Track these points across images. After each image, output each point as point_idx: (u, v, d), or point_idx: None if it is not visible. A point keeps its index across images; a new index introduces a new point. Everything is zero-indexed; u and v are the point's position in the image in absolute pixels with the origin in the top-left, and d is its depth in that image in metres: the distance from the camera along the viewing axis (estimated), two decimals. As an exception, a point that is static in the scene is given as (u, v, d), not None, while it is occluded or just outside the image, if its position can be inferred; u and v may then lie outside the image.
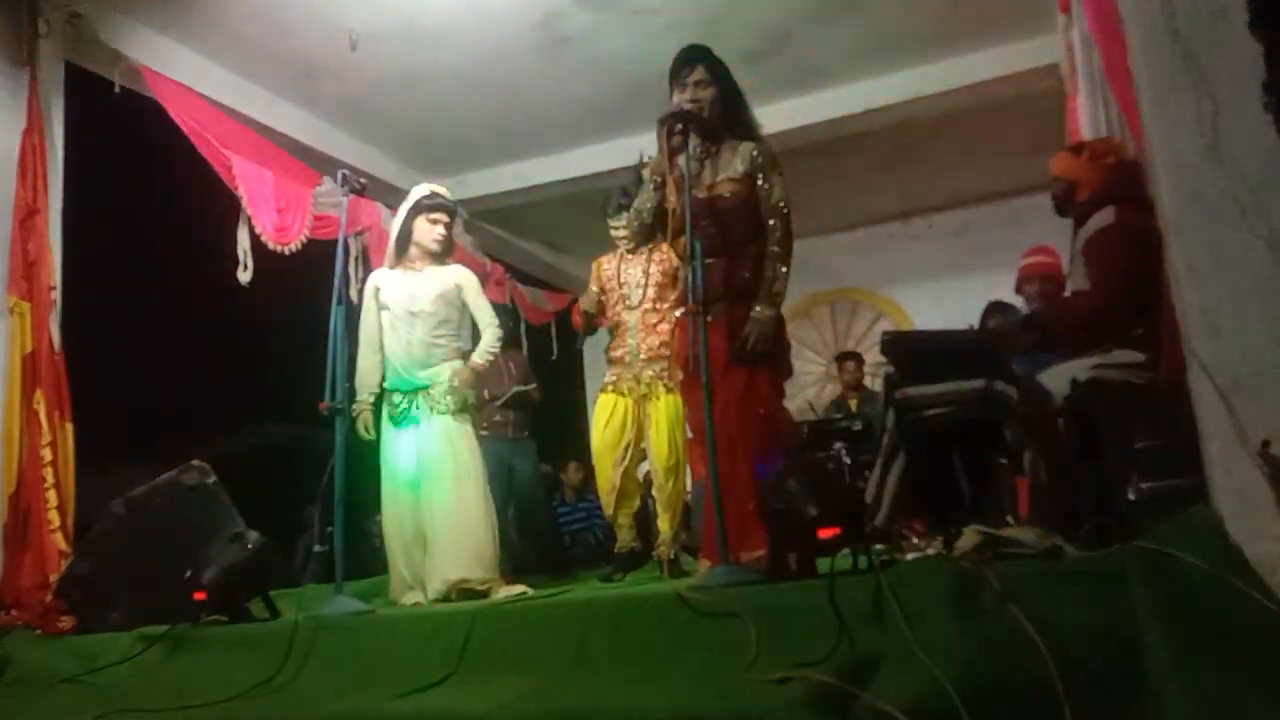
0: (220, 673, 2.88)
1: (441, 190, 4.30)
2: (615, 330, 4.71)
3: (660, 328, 4.56)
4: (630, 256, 4.68)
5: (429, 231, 4.11)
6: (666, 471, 4.48)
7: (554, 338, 8.01)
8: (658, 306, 4.58)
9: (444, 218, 4.15)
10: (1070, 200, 3.12)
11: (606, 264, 4.80)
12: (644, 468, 4.77)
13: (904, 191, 7.97)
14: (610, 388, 4.63)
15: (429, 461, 3.91)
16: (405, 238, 4.14)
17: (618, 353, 4.65)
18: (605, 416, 4.58)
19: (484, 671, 2.51)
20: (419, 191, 4.23)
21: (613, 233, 4.73)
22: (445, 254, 4.20)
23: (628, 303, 4.64)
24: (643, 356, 4.55)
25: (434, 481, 3.89)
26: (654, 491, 4.64)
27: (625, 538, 4.67)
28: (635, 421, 4.56)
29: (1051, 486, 2.73)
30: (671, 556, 4.48)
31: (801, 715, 1.79)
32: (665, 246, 4.38)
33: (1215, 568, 1.80)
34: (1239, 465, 1.86)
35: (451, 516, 3.85)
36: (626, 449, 4.55)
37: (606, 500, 4.65)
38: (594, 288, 4.82)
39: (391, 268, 4.17)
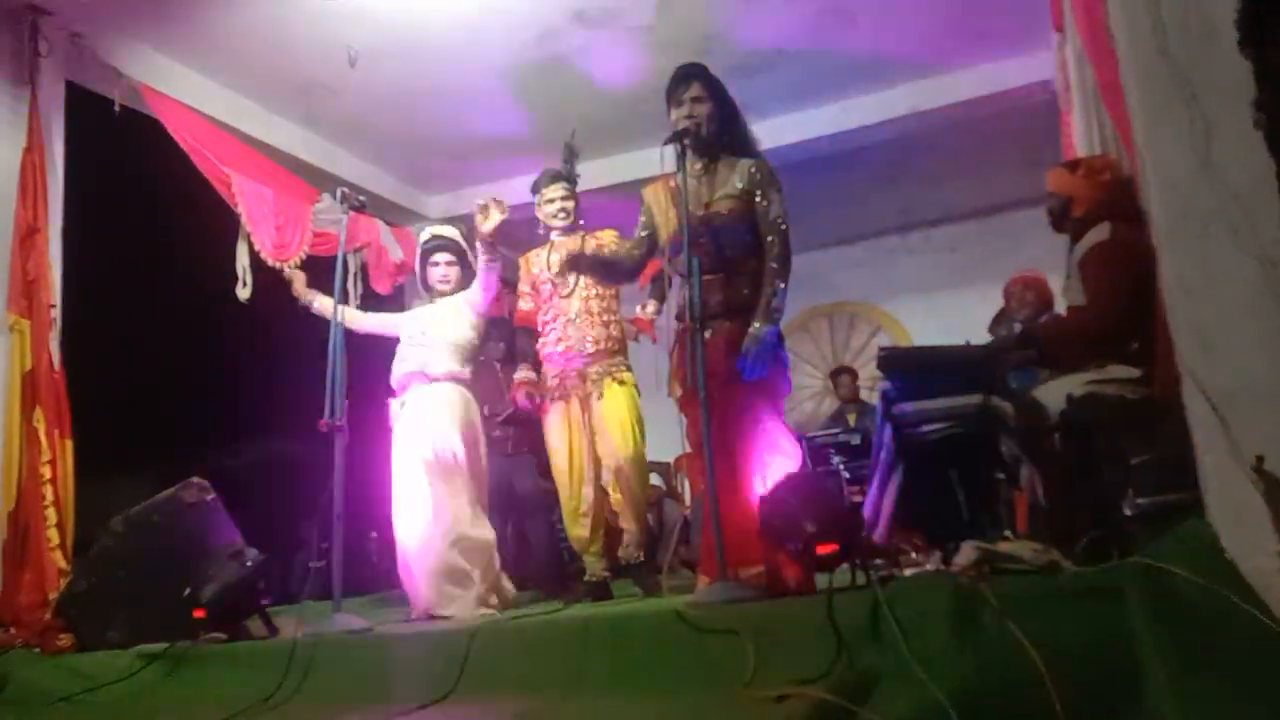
0: (219, 691, 2.90)
1: (443, 231, 4.39)
2: (550, 324, 4.29)
3: (606, 318, 4.24)
4: (559, 241, 4.34)
5: (432, 274, 4.28)
6: (630, 461, 4.13)
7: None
8: (600, 292, 4.24)
9: (444, 257, 4.27)
10: (1066, 216, 3.14)
11: (535, 257, 4.44)
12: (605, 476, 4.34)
13: (901, 206, 8.01)
14: (557, 394, 4.24)
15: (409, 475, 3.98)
16: (424, 281, 4.33)
17: (559, 347, 4.23)
18: (565, 436, 4.22)
19: (482, 689, 2.52)
20: (422, 236, 4.39)
21: (544, 210, 4.39)
22: (458, 290, 4.26)
23: (562, 291, 4.26)
24: (590, 350, 4.20)
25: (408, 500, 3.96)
26: (614, 489, 4.20)
27: (596, 566, 4.28)
28: (585, 427, 4.21)
29: (1048, 502, 2.74)
30: (639, 559, 4.22)
31: (800, 732, 1.80)
32: (603, 232, 4.30)
33: (1211, 583, 1.80)
34: (1234, 480, 1.87)
35: (415, 544, 3.90)
36: (596, 464, 4.22)
37: (578, 525, 4.26)
38: (524, 287, 4.44)
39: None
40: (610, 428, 4.15)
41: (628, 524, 4.27)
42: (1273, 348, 1.86)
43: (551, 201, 4.37)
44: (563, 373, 4.25)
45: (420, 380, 4.06)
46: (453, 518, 3.90)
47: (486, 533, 4.01)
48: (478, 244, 4.05)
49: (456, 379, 4.08)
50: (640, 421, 4.24)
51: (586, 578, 4.33)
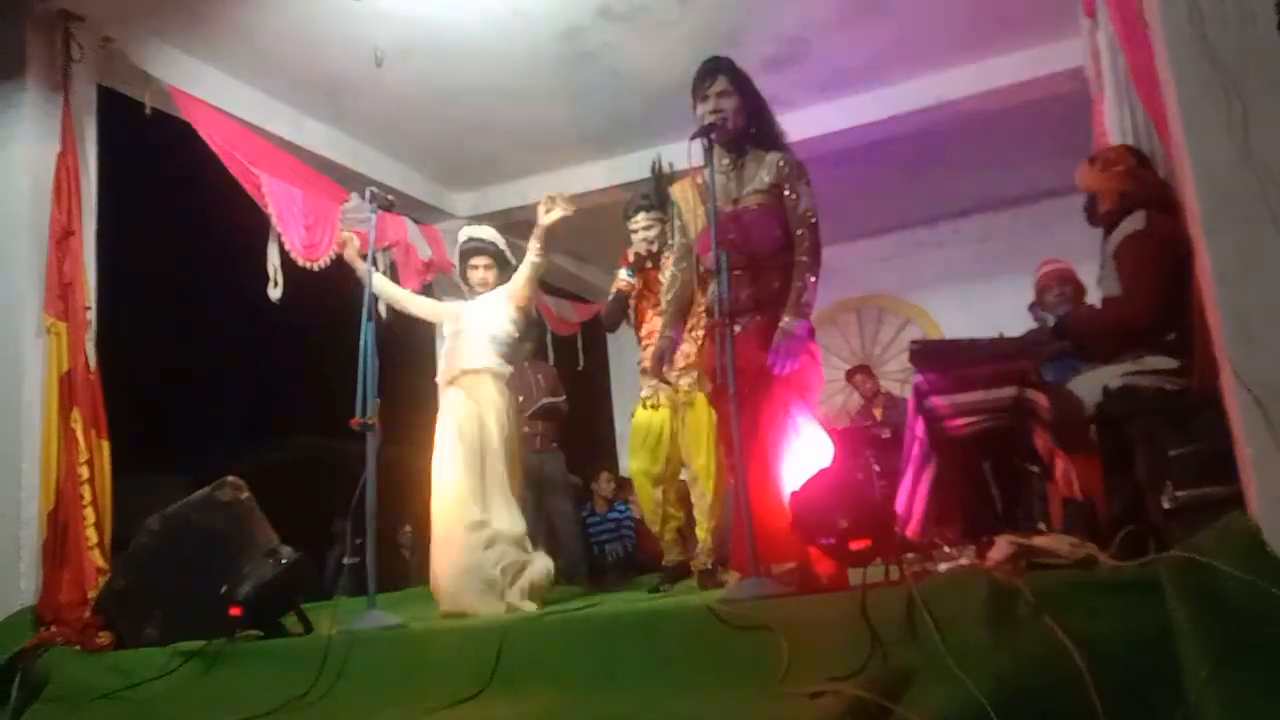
0: (255, 687, 2.92)
1: (479, 232, 4.47)
2: (646, 338, 4.61)
3: (695, 333, 4.36)
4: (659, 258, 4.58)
5: (471, 277, 4.37)
6: (705, 475, 4.38)
7: (580, 348, 8.03)
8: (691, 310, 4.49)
9: (482, 260, 4.35)
10: (1095, 211, 3.10)
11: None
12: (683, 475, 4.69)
13: (929, 197, 7.94)
14: (647, 403, 4.58)
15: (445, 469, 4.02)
16: (465, 282, 4.42)
17: (650, 363, 4.51)
18: (640, 437, 4.56)
19: (515, 686, 2.53)
20: (460, 236, 4.49)
21: (634, 235, 4.64)
22: (497, 287, 4.32)
23: (658, 308, 4.48)
24: (680, 364, 4.36)
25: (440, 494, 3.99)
26: (693, 499, 4.53)
27: (674, 553, 4.63)
28: (672, 434, 4.49)
29: (1083, 495, 2.71)
30: (708, 567, 4.37)
31: (835, 729, 1.79)
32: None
33: (1252, 577, 1.78)
34: (1276, 472, 1.84)
35: (442, 539, 3.92)
36: (666, 466, 4.53)
37: (652, 520, 4.66)
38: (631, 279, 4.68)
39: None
40: (689, 441, 4.42)
41: (701, 533, 4.45)
42: (1315, 337, 1.83)
43: (635, 231, 4.62)
44: (656, 386, 4.52)
45: (460, 375, 4.11)
46: (484, 514, 3.92)
47: (518, 527, 4.02)
48: (534, 237, 4.14)
49: (494, 373, 4.14)
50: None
51: (665, 561, 4.68)
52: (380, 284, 4.27)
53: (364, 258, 4.06)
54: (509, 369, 4.23)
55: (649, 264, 4.60)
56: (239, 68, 5.29)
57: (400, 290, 4.50)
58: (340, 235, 4.38)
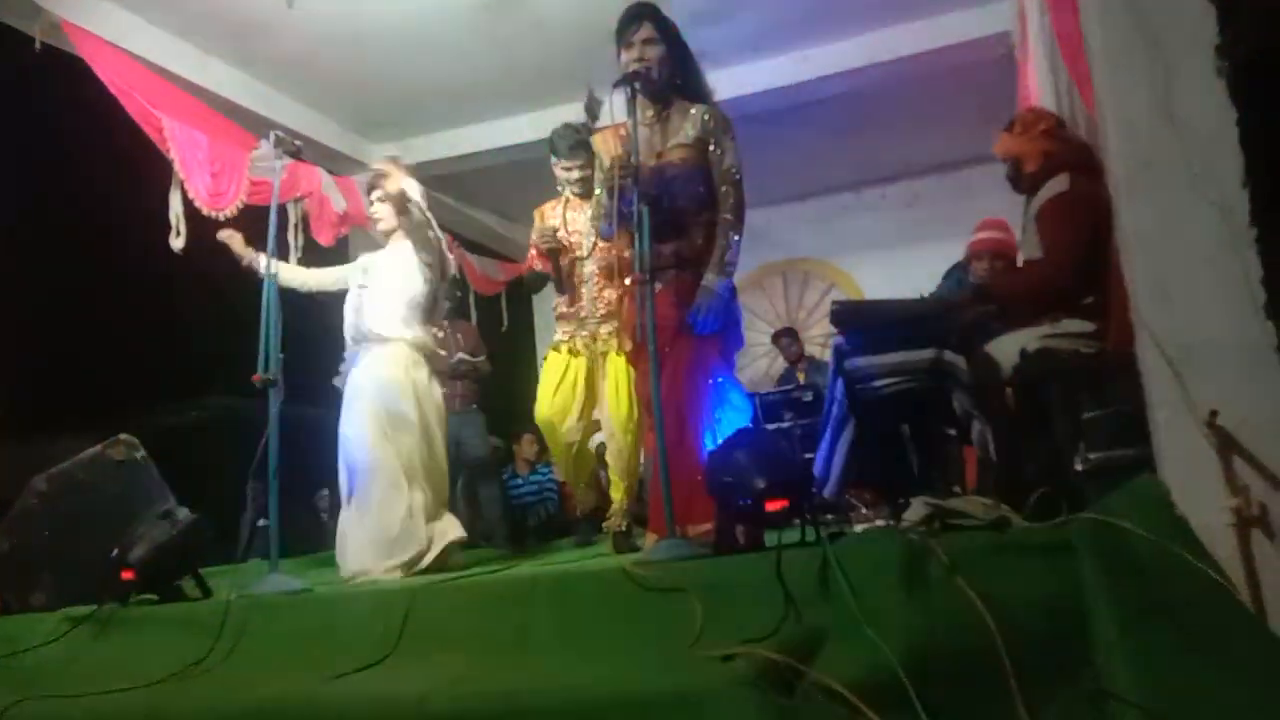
0: (149, 654, 2.78)
1: (379, 165, 4.22)
2: (565, 283, 4.35)
3: (616, 281, 4.26)
4: (577, 202, 4.34)
5: (371, 214, 4.13)
6: (624, 429, 4.17)
7: (504, 308, 7.90)
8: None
9: (378, 194, 4.07)
10: (1020, 176, 3.09)
11: (550, 211, 4.43)
12: (597, 438, 4.51)
13: (857, 161, 7.95)
14: (563, 347, 4.32)
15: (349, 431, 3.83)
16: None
17: (571, 308, 4.34)
18: (554, 381, 4.30)
19: (423, 651, 2.44)
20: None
21: (561, 174, 4.39)
22: (392, 228, 4.08)
23: (579, 253, 4.31)
24: (600, 312, 4.27)
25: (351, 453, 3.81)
26: (608, 456, 4.34)
27: (588, 500, 4.54)
28: (589, 384, 4.30)
29: (999, 457, 2.72)
30: (623, 528, 4.21)
31: (746, 693, 1.75)
32: None
33: (1161, 539, 1.80)
34: (1187, 435, 1.85)
35: (356, 498, 3.75)
36: (579, 416, 4.31)
37: (565, 469, 4.53)
38: (537, 238, 4.40)
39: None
40: (611, 394, 4.23)
41: (616, 494, 4.30)
42: (1230, 300, 1.84)
43: (569, 170, 4.37)
44: (572, 332, 4.33)
45: (372, 338, 3.89)
46: (396, 479, 3.77)
47: (435, 495, 3.89)
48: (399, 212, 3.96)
49: (410, 343, 3.92)
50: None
51: (580, 511, 4.68)
52: (271, 260, 3.81)
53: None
54: (427, 335, 4.02)
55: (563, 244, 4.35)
56: (141, 3, 4.98)
57: (301, 271, 4.20)
58: (221, 235, 3.98)
